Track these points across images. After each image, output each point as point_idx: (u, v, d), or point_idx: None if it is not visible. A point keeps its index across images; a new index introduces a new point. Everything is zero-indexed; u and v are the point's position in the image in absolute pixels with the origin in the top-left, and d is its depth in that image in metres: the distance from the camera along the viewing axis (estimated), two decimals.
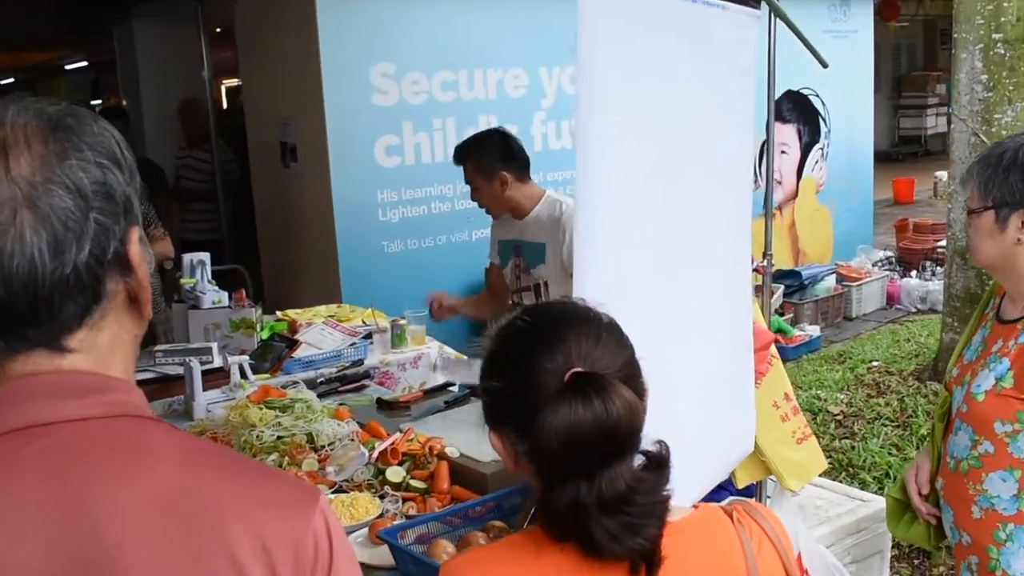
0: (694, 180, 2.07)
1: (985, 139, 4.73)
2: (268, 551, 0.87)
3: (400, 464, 2.46)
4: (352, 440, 2.61)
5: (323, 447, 2.59)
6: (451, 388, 3.21)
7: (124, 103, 8.27)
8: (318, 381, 3.35)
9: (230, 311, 3.64)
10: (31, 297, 0.85)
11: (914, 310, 7.66)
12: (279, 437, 2.62)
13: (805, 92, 7.97)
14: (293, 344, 3.55)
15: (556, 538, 1.17)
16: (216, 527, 0.86)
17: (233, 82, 9.32)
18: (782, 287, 7.15)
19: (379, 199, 5.46)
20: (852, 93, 8.35)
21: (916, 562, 3.70)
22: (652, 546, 1.15)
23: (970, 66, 4.93)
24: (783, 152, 7.93)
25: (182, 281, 3.85)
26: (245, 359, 3.31)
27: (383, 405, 3.09)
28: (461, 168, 3.34)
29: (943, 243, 6.76)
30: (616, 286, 1.77)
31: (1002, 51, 4.81)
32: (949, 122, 5.57)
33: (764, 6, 2.37)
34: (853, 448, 4.54)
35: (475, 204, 3.42)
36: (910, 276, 8.11)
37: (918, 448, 4.33)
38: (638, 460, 1.17)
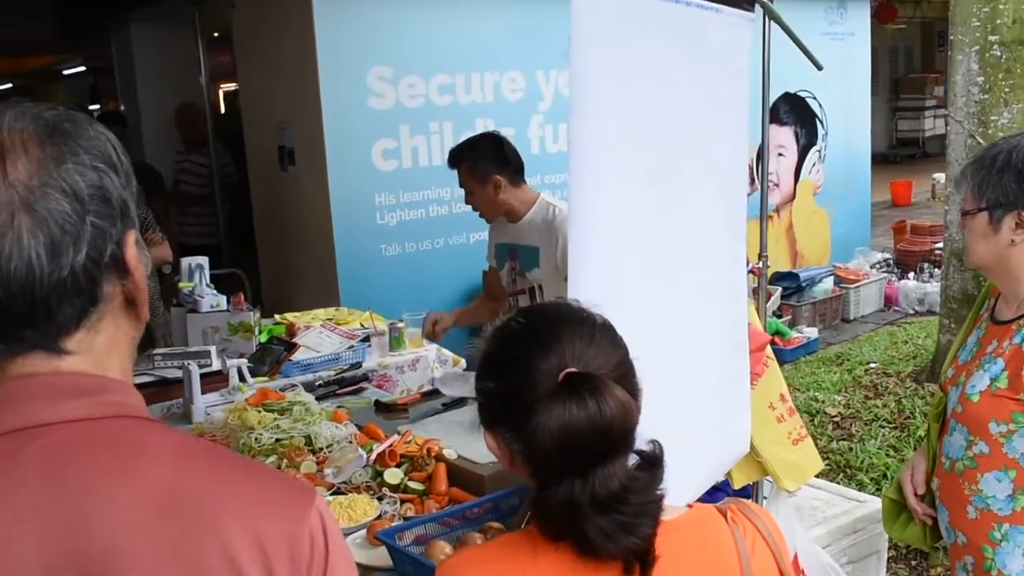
0: (688, 183, 2.08)
1: (981, 141, 4.72)
2: (265, 550, 0.87)
3: (398, 466, 2.47)
4: (350, 442, 2.62)
5: (321, 449, 2.60)
6: None
7: (122, 108, 8.29)
8: (316, 384, 3.36)
9: (228, 314, 3.65)
10: (29, 299, 0.86)
11: (912, 312, 7.67)
12: (277, 440, 2.63)
13: (802, 95, 7.97)
14: (291, 347, 3.56)
15: (551, 537, 1.18)
16: (213, 526, 0.86)
17: (231, 86, 9.33)
18: (780, 289, 7.14)
19: (377, 202, 5.47)
20: (849, 95, 8.35)
21: (913, 563, 3.70)
22: (646, 545, 1.16)
23: (966, 68, 4.94)
24: (780, 155, 7.93)
25: (180, 285, 3.85)
26: (243, 362, 3.33)
27: (381, 407, 3.10)
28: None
29: (941, 245, 6.77)
30: (610, 289, 1.78)
31: (998, 53, 4.82)
32: (947, 124, 5.57)
33: (758, 8, 2.37)
34: (851, 450, 4.54)
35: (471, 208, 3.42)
36: (908, 278, 8.11)
37: (916, 450, 4.33)
38: (632, 459, 1.18)
